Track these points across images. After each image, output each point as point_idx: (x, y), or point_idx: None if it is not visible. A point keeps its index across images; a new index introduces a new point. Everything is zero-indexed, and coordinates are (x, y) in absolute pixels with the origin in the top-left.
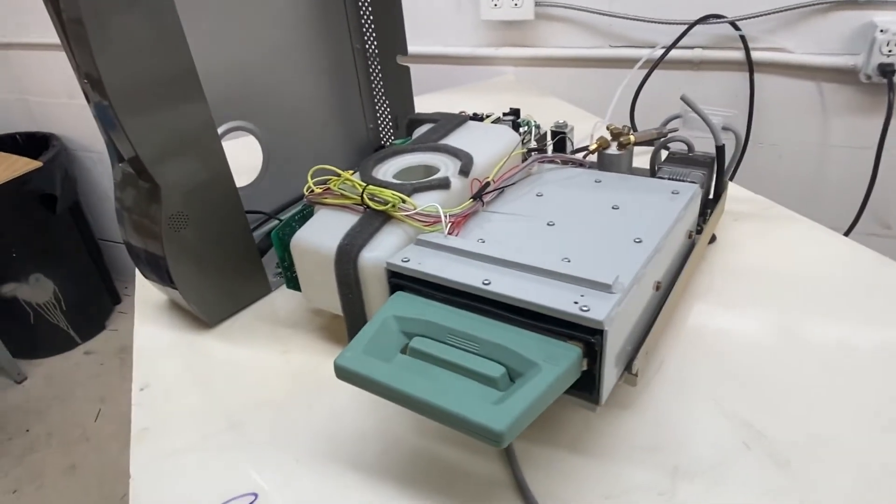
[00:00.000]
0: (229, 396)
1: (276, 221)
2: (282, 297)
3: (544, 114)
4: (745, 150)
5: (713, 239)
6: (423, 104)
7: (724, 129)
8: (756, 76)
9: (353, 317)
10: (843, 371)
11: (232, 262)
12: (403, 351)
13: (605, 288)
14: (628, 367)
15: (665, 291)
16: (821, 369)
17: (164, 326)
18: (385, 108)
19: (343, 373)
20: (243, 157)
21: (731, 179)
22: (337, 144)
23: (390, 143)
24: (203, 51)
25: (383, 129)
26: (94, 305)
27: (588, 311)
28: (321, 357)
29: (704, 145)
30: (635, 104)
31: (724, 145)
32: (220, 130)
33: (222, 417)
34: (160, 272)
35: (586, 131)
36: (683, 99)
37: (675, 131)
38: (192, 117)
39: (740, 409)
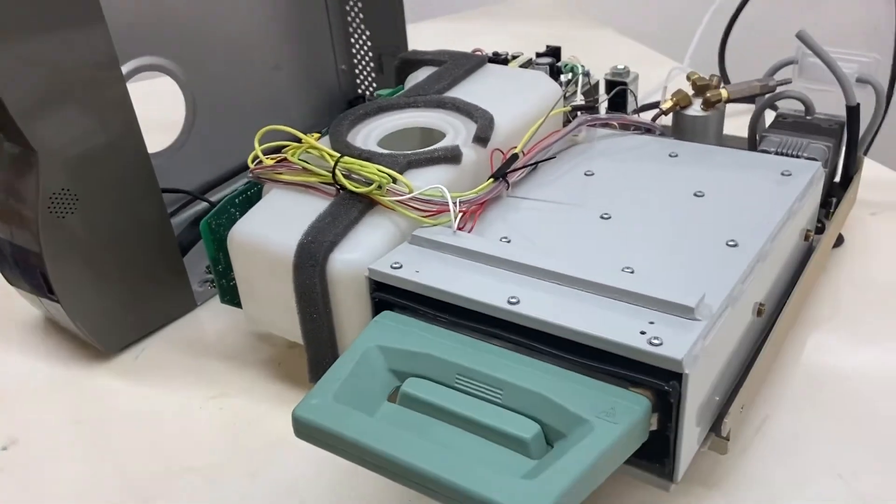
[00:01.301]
0: (134, 460)
1: (207, 205)
2: (212, 316)
3: (596, 55)
4: (888, 112)
5: (840, 241)
6: (420, 37)
7: (860, 80)
8: None
9: (319, 346)
10: None
11: (139, 263)
12: (392, 398)
13: (685, 312)
14: (716, 426)
15: (770, 317)
16: None
17: (39, 356)
18: (364, 42)
19: (305, 428)
20: (159, 110)
21: (866, 154)
22: (295, 94)
23: (373, 96)
24: None
25: (362, 72)
26: None
27: (660, 345)
28: (270, 404)
29: (829, 104)
30: (726, 42)
31: (858, 105)
32: (124, 69)
33: (124, 490)
34: (33, 276)
35: (657, 81)
36: (800, 36)
37: (786, 83)
38: (84, 49)
39: (876, 488)
